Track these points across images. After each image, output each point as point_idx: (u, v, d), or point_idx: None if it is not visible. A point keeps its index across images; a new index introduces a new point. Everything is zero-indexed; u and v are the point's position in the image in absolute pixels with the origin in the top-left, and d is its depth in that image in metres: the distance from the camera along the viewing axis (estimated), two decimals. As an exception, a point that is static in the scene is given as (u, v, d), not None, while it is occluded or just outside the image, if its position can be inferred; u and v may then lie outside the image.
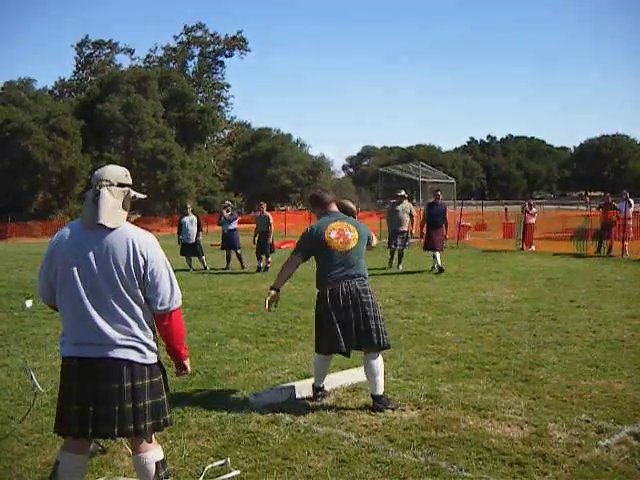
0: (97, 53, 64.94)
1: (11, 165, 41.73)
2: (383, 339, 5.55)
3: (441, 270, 15.24)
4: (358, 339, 5.52)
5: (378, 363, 5.56)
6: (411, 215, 16.40)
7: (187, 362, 3.65)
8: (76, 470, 3.51)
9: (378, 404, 5.47)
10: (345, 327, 5.49)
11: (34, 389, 5.29)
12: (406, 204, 16.47)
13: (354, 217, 5.99)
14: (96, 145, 47.60)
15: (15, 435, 5.00)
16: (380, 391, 5.52)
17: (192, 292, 12.54)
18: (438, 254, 15.45)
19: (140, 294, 3.39)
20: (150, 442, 3.49)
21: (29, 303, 9.01)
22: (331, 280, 5.57)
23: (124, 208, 3.44)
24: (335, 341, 5.49)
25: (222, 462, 4.35)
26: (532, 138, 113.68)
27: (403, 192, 16.74)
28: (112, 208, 3.36)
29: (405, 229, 16.29)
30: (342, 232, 5.64)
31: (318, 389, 5.85)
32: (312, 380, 5.92)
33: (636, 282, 13.16)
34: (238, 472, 4.25)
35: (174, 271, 3.57)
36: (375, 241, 5.97)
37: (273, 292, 5.70)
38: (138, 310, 3.40)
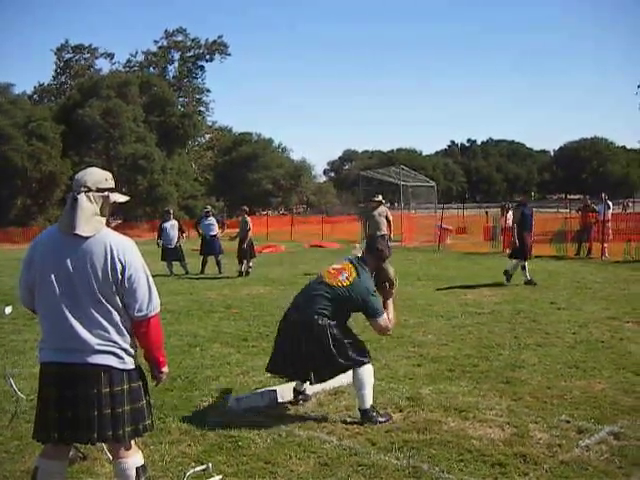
0: (77, 57, 64.39)
1: (-10, 171, 41.33)
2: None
3: (530, 282, 13.39)
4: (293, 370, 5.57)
5: (359, 377, 5.38)
6: (388, 219, 16.40)
7: (165, 369, 3.62)
8: (55, 476, 3.48)
9: (363, 418, 5.28)
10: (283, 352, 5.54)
11: (14, 396, 5.26)
12: (382, 209, 16.47)
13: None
14: (76, 150, 47.22)
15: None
16: (363, 405, 5.32)
17: (173, 297, 12.49)
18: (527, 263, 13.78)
19: (118, 300, 3.37)
20: (130, 448, 3.47)
21: (8, 310, 8.89)
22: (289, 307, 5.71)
23: (103, 214, 3.41)
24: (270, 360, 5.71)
25: (204, 467, 4.32)
26: (512, 141, 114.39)
27: (380, 197, 16.74)
28: (89, 216, 3.33)
29: (383, 233, 16.28)
30: (341, 270, 5.50)
31: (299, 392, 5.84)
32: (293, 384, 5.91)
33: (615, 283, 13.28)
34: (220, 477, 4.23)
35: (155, 276, 3.55)
36: (382, 321, 5.48)
37: None
38: (116, 316, 3.37)
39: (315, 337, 5.30)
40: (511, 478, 4.18)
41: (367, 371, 5.40)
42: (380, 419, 5.27)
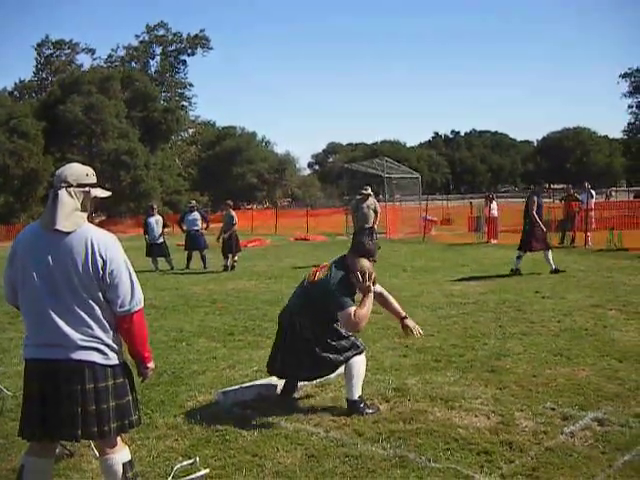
0: (57, 53, 63.97)
1: (-29, 168, 41.01)
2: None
3: (557, 270, 13.31)
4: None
5: (349, 367, 5.39)
6: (375, 212, 16.45)
7: (151, 365, 3.61)
8: (42, 474, 3.47)
9: (350, 409, 5.29)
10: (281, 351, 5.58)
11: (0, 394, 5.24)
12: (371, 201, 16.53)
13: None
14: (58, 147, 46.96)
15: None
16: (352, 396, 5.31)
17: (159, 292, 12.46)
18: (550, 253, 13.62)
19: (100, 295, 3.35)
20: (116, 444, 3.46)
21: (-8, 308, 8.86)
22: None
23: (84, 209, 3.40)
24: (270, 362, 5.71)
25: (191, 461, 4.32)
26: (496, 132, 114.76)
27: (369, 189, 16.78)
28: (70, 211, 3.32)
29: (370, 225, 16.35)
30: (322, 268, 5.59)
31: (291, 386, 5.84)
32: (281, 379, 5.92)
33: (599, 272, 13.38)
34: (207, 471, 4.23)
35: (140, 272, 3.54)
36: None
37: None
38: (99, 311, 3.36)
39: (299, 336, 5.36)
40: (497, 466, 4.21)
41: (358, 363, 5.40)
42: (368, 410, 5.28)
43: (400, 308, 6.03)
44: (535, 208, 13.58)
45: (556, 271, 13.19)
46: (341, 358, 5.37)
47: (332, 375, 5.96)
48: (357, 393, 5.33)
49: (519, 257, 13.56)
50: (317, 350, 5.32)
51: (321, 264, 5.79)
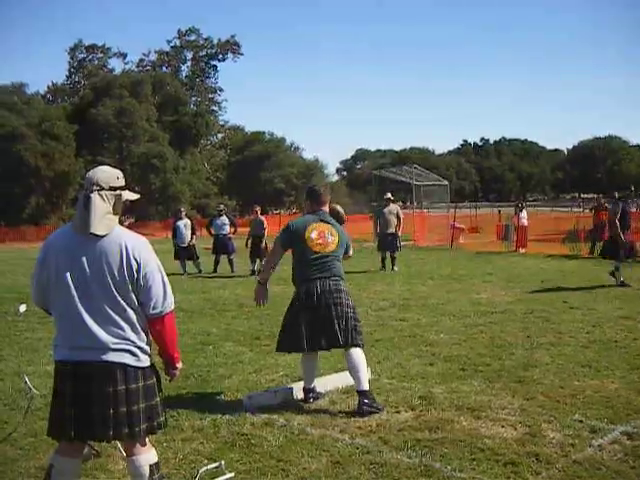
0: (90, 57, 64.70)
1: (4, 170, 41.54)
2: (351, 337, 5.55)
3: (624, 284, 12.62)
4: (325, 339, 5.56)
5: (354, 358, 5.54)
6: (398, 217, 16.48)
7: (179, 365, 3.65)
8: (70, 474, 3.51)
9: (363, 400, 5.39)
10: (312, 327, 5.54)
11: (28, 393, 5.30)
12: (393, 207, 16.58)
13: (342, 223, 5.99)
14: (89, 149, 47.48)
15: (8, 440, 4.98)
16: (363, 386, 5.46)
17: (186, 296, 12.53)
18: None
19: (133, 298, 3.39)
20: (144, 445, 3.49)
21: (23, 308, 9.02)
22: (305, 279, 5.65)
23: (115, 212, 3.43)
24: (295, 340, 5.59)
25: (216, 465, 4.34)
26: (525, 140, 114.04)
27: (390, 195, 16.85)
28: (102, 214, 3.35)
29: (393, 231, 16.40)
30: (323, 234, 5.69)
31: (309, 390, 5.85)
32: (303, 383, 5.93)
33: (629, 283, 13.18)
34: (232, 474, 4.25)
35: (168, 275, 3.57)
36: (352, 252, 6.03)
37: (260, 286, 5.86)
38: (131, 314, 3.40)
39: (343, 301, 5.60)
40: (523, 477, 4.17)
41: (362, 352, 5.64)
42: (376, 406, 5.44)
43: None
44: (618, 216, 12.73)
45: (622, 284, 12.52)
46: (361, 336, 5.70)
47: None
48: (365, 384, 5.52)
49: (617, 268, 12.72)
50: (350, 315, 5.60)
51: (311, 236, 5.73)
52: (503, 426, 5.08)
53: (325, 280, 5.60)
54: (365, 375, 5.57)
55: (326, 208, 5.89)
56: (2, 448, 4.83)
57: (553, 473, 4.22)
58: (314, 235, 5.65)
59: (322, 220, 5.76)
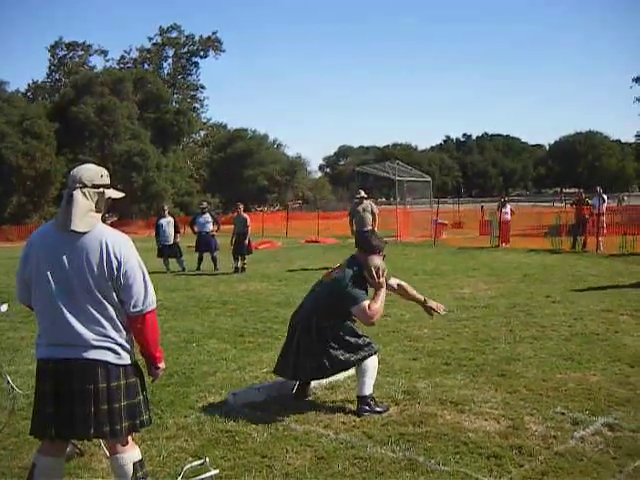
0: (71, 55, 64.19)
1: (-16, 169, 41.24)
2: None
3: None
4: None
5: (363, 365, 5.46)
6: (373, 214, 16.53)
7: (162, 365, 3.64)
8: (53, 473, 3.49)
9: (360, 405, 5.35)
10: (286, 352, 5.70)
11: (11, 393, 5.26)
12: (367, 203, 16.62)
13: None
14: (71, 148, 47.10)
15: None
16: (363, 392, 5.39)
17: (170, 294, 12.50)
18: None
19: (114, 295, 3.38)
20: (127, 443, 3.48)
21: (4, 307, 8.89)
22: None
23: (98, 210, 3.42)
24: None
25: (201, 462, 4.34)
26: (507, 136, 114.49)
27: (362, 192, 16.91)
28: (84, 212, 3.34)
29: (368, 228, 16.44)
30: (336, 268, 5.74)
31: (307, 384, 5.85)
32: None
33: (610, 277, 13.32)
34: (217, 471, 4.24)
35: (151, 273, 3.55)
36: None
37: None
38: (112, 311, 3.39)
39: (315, 335, 5.42)
40: (506, 470, 4.21)
41: (372, 362, 5.50)
42: (377, 408, 5.34)
43: (418, 294, 6.16)
44: None
45: None
46: (356, 357, 5.43)
47: (340, 376, 6.01)
48: (369, 390, 5.39)
49: None
50: (333, 348, 5.39)
51: (333, 266, 5.83)
52: (486, 419, 5.12)
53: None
54: (368, 382, 5.44)
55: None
56: (-16, 448, 4.80)
57: (535, 465, 4.26)
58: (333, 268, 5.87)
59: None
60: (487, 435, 4.79)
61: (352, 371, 6.31)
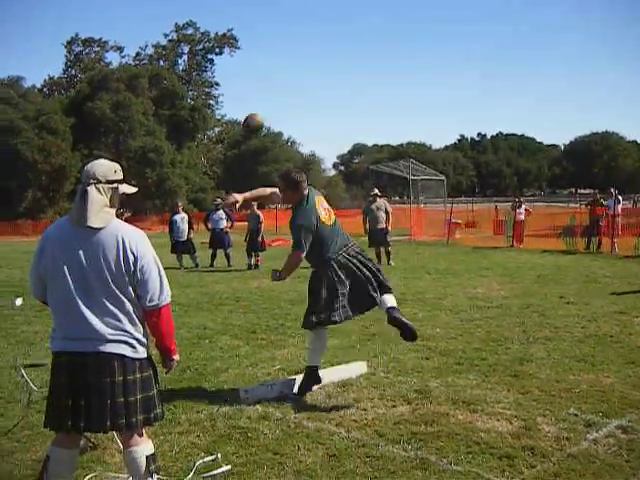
0: (87, 51, 64.56)
1: (1, 164, 41.50)
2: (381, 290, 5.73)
3: None
4: (363, 303, 5.70)
5: (388, 297, 5.74)
6: (387, 212, 16.53)
7: (176, 357, 3.68)
8: (66, 465, 3.52)
9: (392, 311, 5.63)
10: (348, 297, 5.59)
11: (26, 388, 5.32)
12: (380, 202, 16.63)
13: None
14: (86, 143, 47.35)
15: (4, 432, 4.99)
16: (393, 303, 5.71)
17: (183, 290, 12.54)
18: None
19: (130, 290, 3.41)
20: (141, 436, 3.51)
21: (19, 301, 9.01)
22: (331, 256, 5.61)
23: (112, 205, 3.45)
24: (327, 313, 5.54)
25: (213, 457, 4.36)
26: (522, 135, 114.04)
27: (376, 190, 16.95)
28: (99, 208, 3.37)
29: (382, 226, 16.44)
30: (323, 205, 5.78)
31: (315, 368, 5.82)
32: (301, 377, 5.92)
33: (625, 278, 13.24)
34: (229, 467, 4.26)
35: (164, 269, 3.58)
36: None
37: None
38: (128, 305, 3.42)
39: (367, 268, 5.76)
40: (519, 470, 4.19)
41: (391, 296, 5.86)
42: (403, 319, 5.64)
43: None
44: None
45: None
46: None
47: (353, 375, 6.07)
48: (395, 303, 5.77)
49: None
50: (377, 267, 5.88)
51: (318, 210, 5.73)
52: (499, 420, 5.10)
53: (346, 248, 5.69)
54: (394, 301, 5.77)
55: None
56: (-1, 441, 4.84)
57: (548, 466, 4.24)
58: (322, 212, 5.69)
59: (315, 194, 5.87)
60: (499, 435, 4.77)
61: (364, 369, 6.35)
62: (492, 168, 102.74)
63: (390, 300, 5.71)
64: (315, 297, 5.64)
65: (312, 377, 5.83)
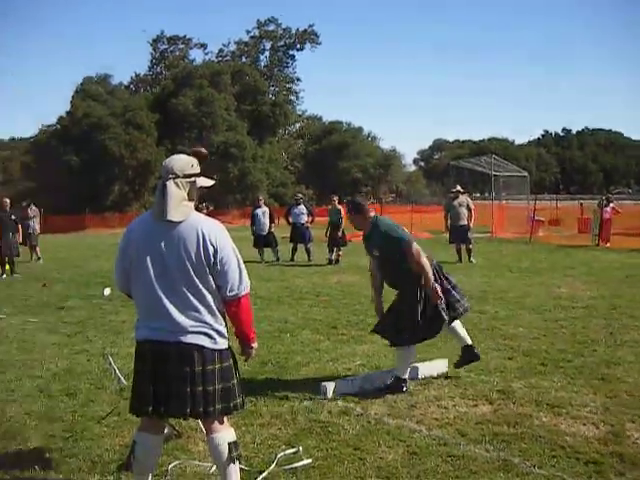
0: (171, 48, 66.01)
1: (89, 158, 42.96)
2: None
3: None
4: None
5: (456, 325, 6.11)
6: (469, 209, 16.32)
7: (255, 344, 3.72)
8: (152, 450, 3.63)
9: (466, 353, 6.15)
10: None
11: (114, 379, 5.51)
12: (463, 198, 16.45)
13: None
14: (170, 138, 48.53)
15: (95, 417, 5.17)
16: (468, 341, 6.19)
17: (264, 283, 12.69)
18: None
19: (211, 281, 3.47)
20: (222, 424, 3.58)
21: (107, 291, 9.32)
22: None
23: (191, 199, 3.52)
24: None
25: (294, 450, 4.40)
26: (610, 131, 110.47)
27: (459, 187, 16.78)
28: (178, 201, 3.44)
29: (464, 223, 16.24)
30: None
31: (404, 380, 5.84)
32: (382, 372, 5.95)
33: None
34: (310, 461, 4.29)
35: (245, 262, 3.63)
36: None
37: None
38: (209, 297, 3.48)
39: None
40: (607, 477, 4.06)
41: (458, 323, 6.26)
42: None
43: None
44: None
45: None
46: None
47: (434, 372, 6.13)
48: (468, 340, 6.23)
49: None
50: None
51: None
52: (585, 424, 4.96)
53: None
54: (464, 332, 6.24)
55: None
56: (90, 426, 5.02)
57: (638, 475, 4.09)
58: None
59: None
60: (585, 440, 4.64)
61: (445, 368, 6.30)
62: (577, 164, 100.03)
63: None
64: (411, 314, 5.76)
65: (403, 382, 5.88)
